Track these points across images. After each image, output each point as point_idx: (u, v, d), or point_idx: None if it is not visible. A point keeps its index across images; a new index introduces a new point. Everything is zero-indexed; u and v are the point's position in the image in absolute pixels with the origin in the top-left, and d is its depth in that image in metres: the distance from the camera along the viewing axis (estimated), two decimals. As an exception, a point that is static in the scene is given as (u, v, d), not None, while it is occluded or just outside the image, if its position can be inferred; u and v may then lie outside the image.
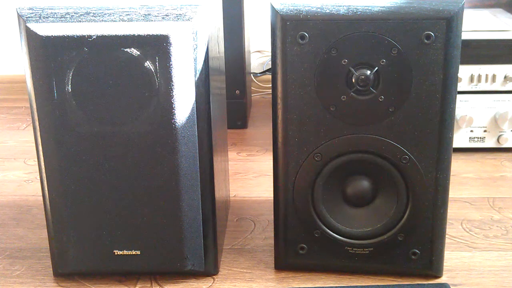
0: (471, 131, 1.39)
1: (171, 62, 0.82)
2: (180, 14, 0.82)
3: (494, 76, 1.34)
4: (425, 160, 0.87)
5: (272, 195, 0.94)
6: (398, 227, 0.91)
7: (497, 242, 1.04)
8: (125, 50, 0.81)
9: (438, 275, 0.94)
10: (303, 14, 0.83)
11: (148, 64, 0.82)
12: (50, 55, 0.81)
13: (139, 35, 0.81)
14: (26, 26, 0.81)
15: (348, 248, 0.93)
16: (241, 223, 1.13)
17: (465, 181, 1.28)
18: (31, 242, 1.07)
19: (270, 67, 0.90)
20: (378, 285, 0.92)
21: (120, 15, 0.82)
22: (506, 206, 1.17)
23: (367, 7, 0.82)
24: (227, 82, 1.49)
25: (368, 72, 0.84)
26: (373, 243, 0.92)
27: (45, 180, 0.89)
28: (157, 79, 0.83)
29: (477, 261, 0.99)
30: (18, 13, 0.82)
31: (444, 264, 0.95)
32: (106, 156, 0.86)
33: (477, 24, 1.38)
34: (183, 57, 0.82)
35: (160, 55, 0.81)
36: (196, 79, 0.84)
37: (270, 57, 0.88)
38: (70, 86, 0.83)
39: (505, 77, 1.34)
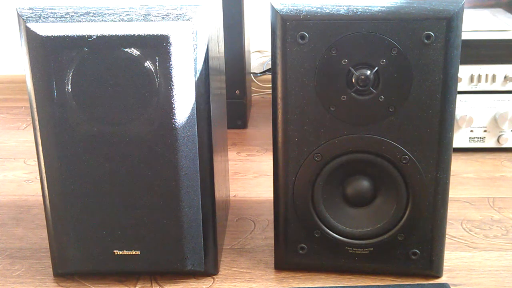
0: (471, 131, 1.39)
1: (171, 62, 0.82)
2: (180, 14, 0.82)
3: (494, 76, 1.34)
4: (425, 160, 0.88)
5: (272, 195, 0.94)
6: (398, 227, 0.91)
7: (497, 242, 1.04)
8: (125, 50, 0.81)
9: (438, 275, 0.94)
10: (303, 14, 0.83)
11: (148, 64, 0.82)
12: (50, 55, 0.81)
13: (139, 35, 0.81)
14: (26, 26, 0.81)
15: (348, 248, 0.93)
16: (241, 223, 1.13)
17: (465, 181, 1.28)
18: (31, 242, 1.07)
19: (270, 67, 0.90)
20: (378, 285, 0.92)
21: (120, 15, 0.82)
22: (506, 206, 1.17)
23: (367, 7, 0.82)
24: (227, 82, 1.49)
25: (368, 72, 0.84)
26: (373, 243, 0.92)
27: (45, 180, 0.89)
28: (157, 79, 0.83)
29: (477, 261, 0.99)
30: (18, 13, 0.82)
31: (444, 264, 0.95)
32: (106, 156, 0.86)
33: (477, 24, 1.38)
34: (183, 57, 0.82)
35: (160, 55, 0.81)
36: (196, 79, 0.84)
37: (270, 57, 0.88)
38: (70, 86, 0.83)
39: (505, 77, 1.34)
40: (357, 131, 0.87)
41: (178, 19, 0.82)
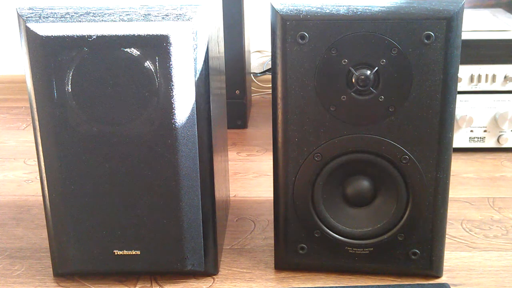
0: (471, 131, 1.39)
1: (171, 62, 0.82)
2: (180, 14, 0.82)
3: (494, 76, 1.34)
4: (425, 160, 0.87)
5: (272, 195, 0.94)
6: (398, 227, 0.91)
7: (497, 242, 1.04)
8: (125, 50, 0.81)
9: (438, 275, 0.94)
10: (303, 14, 0.83)
11: (148, 64, 0.82)
12: (50, 55, 0.81)
13: (139, 35, 0.81)
14: (26, 26, 0.81)
15: (348, 248, 0.93)
16: (241, 223, 1.13)
17: (465, 181, 1.28)
18: (31, 242, 1.07)
19: (270, 67, 0.90)
20: (378, 285, 0.92)
21: (120, 15, 0.82)
22: (506, 206, 1.17)
23: (367, 7, 0.82)
24: (227, 82, 1.49)
25: (368, 72, 0.84)
26: (373, 243, 0.92)
27: (45, 180, 0.89)
28: (157, 79, 0.83)
29: (477, 261, 0.99)
30: (18, 13, 0.82)
31: (444, 264, 0.95)
32: (106, 156, 0.86)
33: (477, 24, 1.38)
34: (183, 57, 0.82)
35: (160, 55, 0.81)
36: (196, 79, 0.84)
37: (270, 57, 0.88)
38: (70, 86, 0.83)
39: (505, 77, 1.34)
40: (357, 131, 0.87)
41: (178, 19, 0.82)
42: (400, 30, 0.82)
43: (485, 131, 1.39)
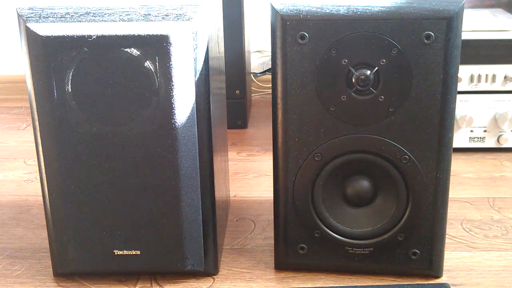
0: (471, 131, 1.39)
1: (171, 62, 0.82)
2: (180, 14, 0.82)
3: (494, 76, 1.34)
4: (425, 160, 0.88)
5: (272, 195, 0.94)
6: (398, 227, 0.91)
7: (497, 242, 1.04)
8: (125, 50, 0.81)
9: (438, 275, 0.94)
10: (303, 14, 0.83)
11: (148, 64, 0.82)
12: (50, 55, 0.81)
13: (139, 35, 0.81)
14: (26, 26, 0.81)
15: (348, 248, 0.93)
16: (241, 223, 1.13)
17: (465, 181, 1.28)
18: (31, 242, 1.07)
19: (270, 67, 0.90)
20: (378, 285, 0.92)
21: (120, 15, 0.82)
22: (506, 206, 1.17)
23: (367, 7, 0.82)
24: (227, 82, 1.49)
25: (368, 72, 0.84)
26: (373, 243, 0.92)
27: (45, 180, 0.89)
28: (157, 79, 0.83)
29: (477, 261, 0.99)
30: (18, 13, 0.82)
31: (444, 264, 0.95)
32: (106, 156, 0.86)
33: (477, 24, 1.38)
34: (183, 57, 0.82)
35: (160, 55, 0.81)
36: (196, 79, 0.84)
37: (270, 57, 0.88)
38: (70, 86, 0.83)
39: (505, 77, 1.34)
40: (357, 131, 0.87)
41: (178, 19, 0.82)
42: (400, 30, 0.82)
43: (485, 131, 1.39)
